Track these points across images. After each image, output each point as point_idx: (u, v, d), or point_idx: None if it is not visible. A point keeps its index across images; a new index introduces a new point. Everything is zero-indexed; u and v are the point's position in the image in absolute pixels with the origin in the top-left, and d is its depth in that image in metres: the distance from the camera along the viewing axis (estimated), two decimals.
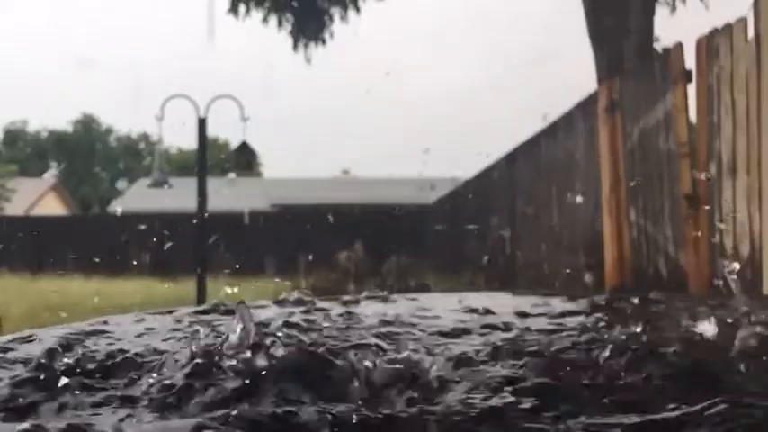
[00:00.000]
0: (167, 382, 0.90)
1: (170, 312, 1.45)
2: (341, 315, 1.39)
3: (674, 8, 11.03)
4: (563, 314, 1.46)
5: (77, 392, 0.89)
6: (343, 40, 14.69)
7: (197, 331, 1.10)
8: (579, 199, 7.66)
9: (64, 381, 0.92)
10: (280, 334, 1.10)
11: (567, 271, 8.08)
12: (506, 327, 1.30)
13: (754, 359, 0.98)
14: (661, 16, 9.95)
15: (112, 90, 69.64)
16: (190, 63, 62.35)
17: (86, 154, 53.99)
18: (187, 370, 0.92)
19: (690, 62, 5.36)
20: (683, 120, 5.45)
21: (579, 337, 1.17)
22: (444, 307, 1.50)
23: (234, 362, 0.92)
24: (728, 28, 4.86)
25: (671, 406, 0.79)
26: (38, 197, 39.20)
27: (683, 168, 5.42)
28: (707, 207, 5.11)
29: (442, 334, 1.23)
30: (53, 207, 39.26)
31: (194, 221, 12.80)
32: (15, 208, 32.02)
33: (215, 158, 33.12)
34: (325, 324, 1.29)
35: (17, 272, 16.13)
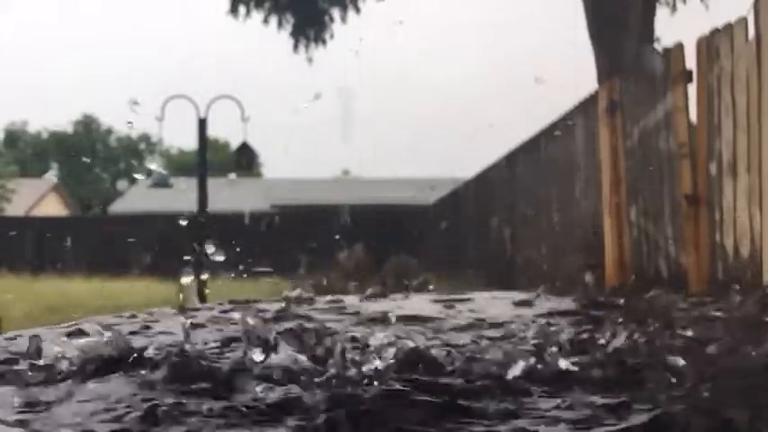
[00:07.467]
0: None
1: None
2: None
3: (674, 8, 11.05)
4: None
5: None
6: (344, 40, 14.68)
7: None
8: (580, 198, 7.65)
9: None
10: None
11: (567, 271, 8.08)
12: None
13: None
14: (661, 16, 9.96)
15: (112, 90, 69.59)
16: (190, 63, 62.32)
17: (87, 154, 53.93)
18: None
19: (690, 62, 5.36)
20: (683, 120, 5.45)
21: None
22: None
23: None
24: (729, 28, 4.86)
25: None
26: (38, 197, 39.16)
27: (683, 168, 5.41)
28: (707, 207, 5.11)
29: None
30: (53, 207, 39.23)
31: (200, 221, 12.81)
32: (16, 208, 32.00)
33: (215, 158, 33.08)
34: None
35: (17, 272, 16.13)
